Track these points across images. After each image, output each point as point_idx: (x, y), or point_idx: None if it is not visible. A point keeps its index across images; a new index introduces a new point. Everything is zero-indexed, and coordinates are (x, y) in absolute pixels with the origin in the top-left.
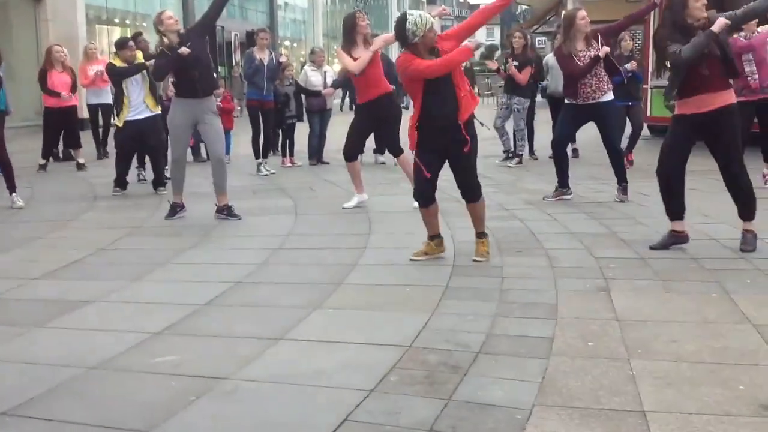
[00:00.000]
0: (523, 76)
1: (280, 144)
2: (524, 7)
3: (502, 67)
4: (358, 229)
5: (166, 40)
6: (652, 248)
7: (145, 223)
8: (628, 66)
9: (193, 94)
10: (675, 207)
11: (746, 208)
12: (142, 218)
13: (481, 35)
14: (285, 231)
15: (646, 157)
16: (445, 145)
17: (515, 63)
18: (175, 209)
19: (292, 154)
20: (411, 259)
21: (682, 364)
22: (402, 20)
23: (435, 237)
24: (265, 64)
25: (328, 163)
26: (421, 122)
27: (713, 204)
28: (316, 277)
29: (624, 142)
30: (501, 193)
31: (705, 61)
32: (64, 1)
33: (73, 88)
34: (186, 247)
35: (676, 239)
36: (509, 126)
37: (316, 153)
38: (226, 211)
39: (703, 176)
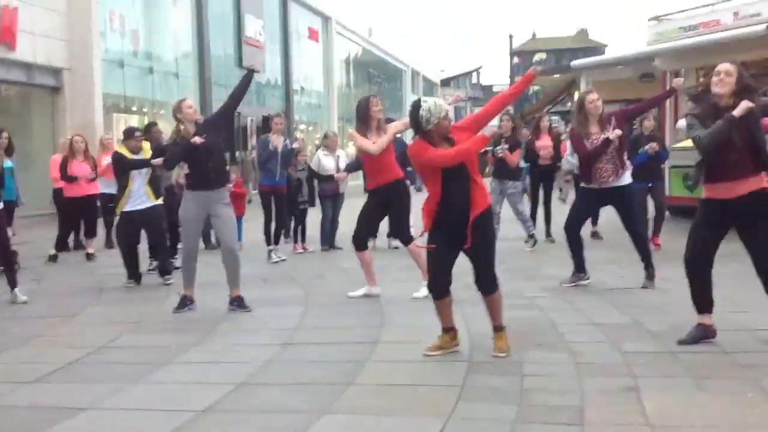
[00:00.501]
0: (514, 158)
1: (292, 230)
2: (536, 87)
3: (492, 150)
4: (370, 322)
5: (182, 128)
6: (680, 343)
7: (149, 317)
8: (647, 148)
9: (205, 185)
10: (701, 298)
11: None
12: (147, 312)
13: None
14: (293, 324)
15: (667, 239)
16: (459, 233)
17: (506, 146)
18: (185, 302)
19: (303, 240)
20: (425, 355)
21: None
22: (416, 107)
23: (449, 330)
24: (279, 149)
25: (341, 249)
26: (437, 209)
27: (743, 291)
28: (324, 376)
29: (648, 225)
30: (519, 280)
31: (729, 147)
32: (82, 89)
33: (94, 177)
34: (189, 344)
35: (705, 333)
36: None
37: (328, 238)
38: (236, 303)
39: (730, 261)
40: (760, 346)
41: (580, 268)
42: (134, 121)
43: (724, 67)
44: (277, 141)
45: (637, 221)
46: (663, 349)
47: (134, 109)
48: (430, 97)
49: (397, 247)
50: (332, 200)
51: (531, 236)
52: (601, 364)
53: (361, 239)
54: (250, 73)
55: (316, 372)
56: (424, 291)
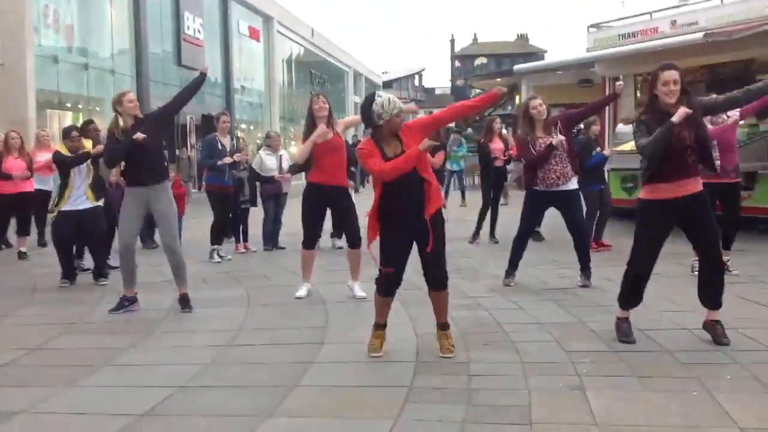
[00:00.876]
0: (437, 160)
1: (233, 229)
2: (477, 91)
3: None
4: (315, 322)
5: (121, 122)
6: (621, 341)
7: (84, 318)
8: (605, 152)
9: (142, 182)
10: (633, 301)
11: (720, 294)
12: (81, 313)
13: None
14: (236, 325)
15: (606, 239)
16: (410, 235)
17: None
18: (123, 303)
19: (246, 240)
20: (371, 356)
21: None
22: (370, 101)
23: (384, 326)
24: (228, 149)
25: (283, 248)
26: (383, 211)
27: (683, 291)
28: (268, 378)
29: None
30: (463, 280)
31: (673, 149)
32: (15, 85)
33: (29, 175)
34: (127, 346)
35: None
36: None
37: (271, 238)
38: (180, 301)
39: (669, 261)
40: (700, 344)
41: (515, 266)
42: (68, 117)
43: (672, 76)
44: (224, 139)
45: (581, 225)
46: (607, 348)
47: (69, 105)
48: (385, 92)
49: (341, 247)
50: (275, 200)
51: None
52: (547, 363)
53: (312, 238)
54: (202, 75)
55: (259, 374)
56: (360, 291)
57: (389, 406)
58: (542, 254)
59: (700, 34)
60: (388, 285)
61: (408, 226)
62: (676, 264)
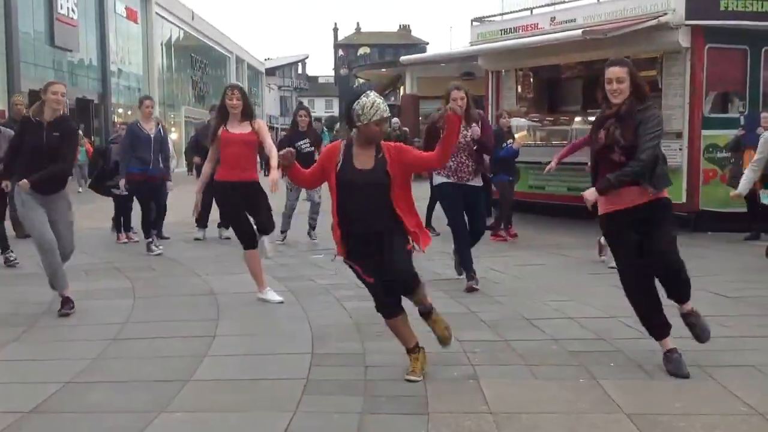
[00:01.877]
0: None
1: (113, 218)
2: (362, 81)
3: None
4: (206, 314)
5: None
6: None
7: None
8: (511, 142)
9: (40, 190)
10: (659, 322)
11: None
12: None
13: (320, 106)
14: (122, 318)
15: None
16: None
17: (307, 141)
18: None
19: (128, 230)
20: (407, 380)
21: None
22: (354, 99)
23: (414, 349)
24: (152, 135)
25: (168, 238)
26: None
27: (565, 281)
28: (159, 373)
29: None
30: None
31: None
32: None
33: None
34: (8, 340)
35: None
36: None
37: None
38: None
39: (551, 253)
40: (584, 333)
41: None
42: None
43: (614, 73)
44: (148, 125)
45: (482, 222)
46: (497, 338)
47: None
48: (379, 98)
49: (228, 238)
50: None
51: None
52: (441, 353)
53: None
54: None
55: (150, 368)
56: (273, 295)
57: (286, 398)
58: (433, 244)
59: (578, 31)
60: (384, 303)
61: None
62: (558, 255)
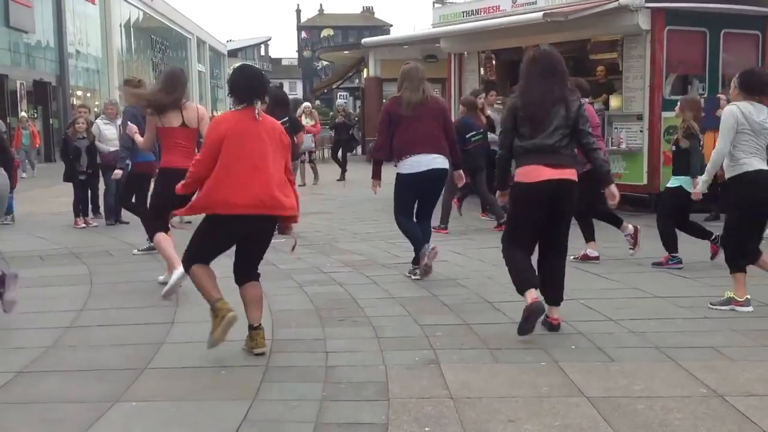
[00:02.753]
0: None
1: (72, 203)
2: (325, 63)
3: None
4: (164, 301)
5: None
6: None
7: None
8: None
9: None
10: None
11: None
12: None
13: (285, 89)
14: (78, 305)
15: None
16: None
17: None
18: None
19: (86, 214)
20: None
21: None
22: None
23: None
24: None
25: (127, 223)
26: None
27: None
28: (115, 361)
29: None
30: (317, 254)
31: None
32: None
33: None
34: None
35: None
36: None
37: (113, 212)
38: None
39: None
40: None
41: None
42: None
43: None
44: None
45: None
46: (459, 322)
47: None
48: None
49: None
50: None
51: None
52: (402, 337)
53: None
54: None
55: (106, 357)
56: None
57: (245, 386)
58: (393, 227)
59: (539, 14)
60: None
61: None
62: None
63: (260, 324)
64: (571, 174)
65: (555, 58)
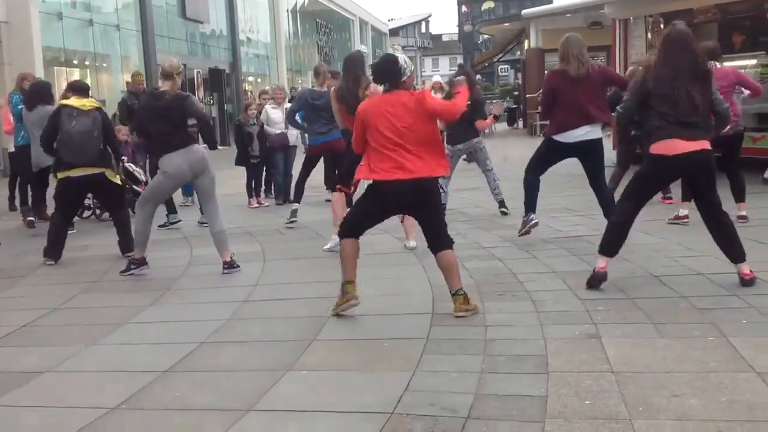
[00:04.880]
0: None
1: (245, 185)
2: (486, 36)
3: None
4: (330, 276)
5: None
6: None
7: (104, 277)
8: None
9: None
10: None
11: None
12: (101, 271)
13: (444, 65)
14: (252, 281)
15: None
16: None
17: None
18: (130, 266)
19: (259, 195)
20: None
21: (688, 423)
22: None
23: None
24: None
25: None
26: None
27: (696, 236)
28: (287, 333)
29: None
30: (479, 230)
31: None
32: (21, 43)
33: None
34: (146, 304)
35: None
36: None
37: (282, 192)
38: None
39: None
40: (715, 289)
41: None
42: (76, 74)
43: None
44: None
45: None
46: (622, 296)
47: (75, 62)
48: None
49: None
50: (283, 153)
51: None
52: (562, 311)
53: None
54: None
55: (278, 329)
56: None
57: (407, 358)
58: (554, 202)
59: None
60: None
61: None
62: (692, 210)
63: (458, 289)
64: (705, 145)
65: (690, 36)
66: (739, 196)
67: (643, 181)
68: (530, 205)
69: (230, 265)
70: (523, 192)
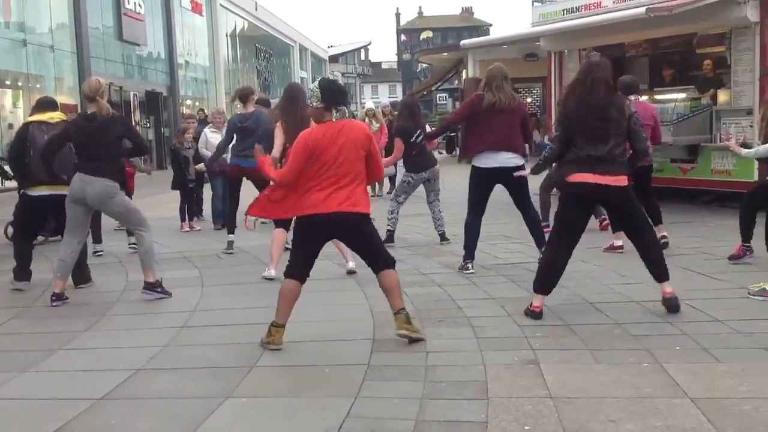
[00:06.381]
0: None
1: (179, 208)
2: (424, 65)
3: None
4: (270, 302)
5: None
6: None
7: (37, 302)
8: None
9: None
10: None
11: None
12: (34, 296)
13: (383, 92)
14: (191, 306)
15: None
16: None
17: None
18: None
19: (191, 219)
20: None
21: None
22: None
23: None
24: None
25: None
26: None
27: (631, 264)
28: (226, 359)
29: None
30: (417, 256)
31: None
32: None
33: None
34: (81, 329)
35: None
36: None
37: (221, 217)
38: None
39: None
40: (649, 316)
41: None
42: (8, 95)
43: None
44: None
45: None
46: (559, 322)
47: (8, 83)
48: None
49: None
50: (222, 177)
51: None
52: (501, 337)
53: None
54: None
55: (216, 355)
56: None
57: (348, 384)
58: (492, 230)
59: (642, 9)
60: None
61: None
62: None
63: (401, 309)
64: (622, 181)
65: (603, 66)
66: (655, 220)
67: (563, 211)
68: (470, 251)
69: (152, 288)
70: (464, 235)
